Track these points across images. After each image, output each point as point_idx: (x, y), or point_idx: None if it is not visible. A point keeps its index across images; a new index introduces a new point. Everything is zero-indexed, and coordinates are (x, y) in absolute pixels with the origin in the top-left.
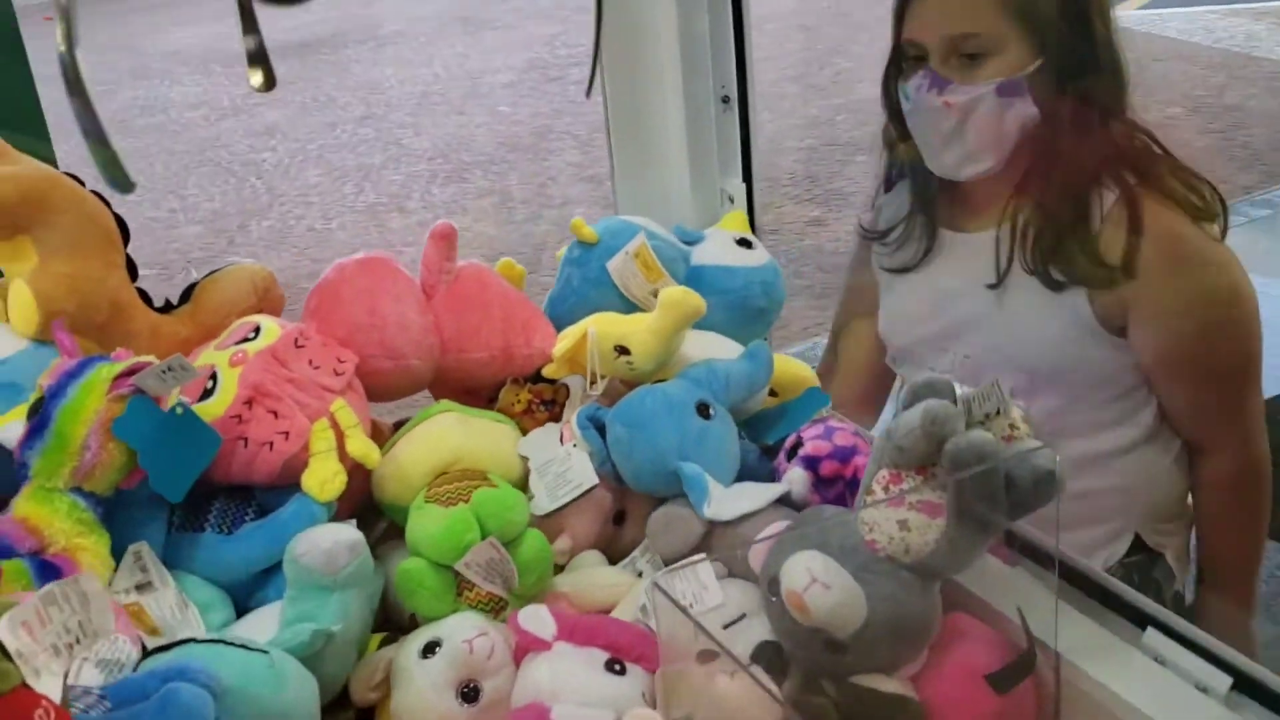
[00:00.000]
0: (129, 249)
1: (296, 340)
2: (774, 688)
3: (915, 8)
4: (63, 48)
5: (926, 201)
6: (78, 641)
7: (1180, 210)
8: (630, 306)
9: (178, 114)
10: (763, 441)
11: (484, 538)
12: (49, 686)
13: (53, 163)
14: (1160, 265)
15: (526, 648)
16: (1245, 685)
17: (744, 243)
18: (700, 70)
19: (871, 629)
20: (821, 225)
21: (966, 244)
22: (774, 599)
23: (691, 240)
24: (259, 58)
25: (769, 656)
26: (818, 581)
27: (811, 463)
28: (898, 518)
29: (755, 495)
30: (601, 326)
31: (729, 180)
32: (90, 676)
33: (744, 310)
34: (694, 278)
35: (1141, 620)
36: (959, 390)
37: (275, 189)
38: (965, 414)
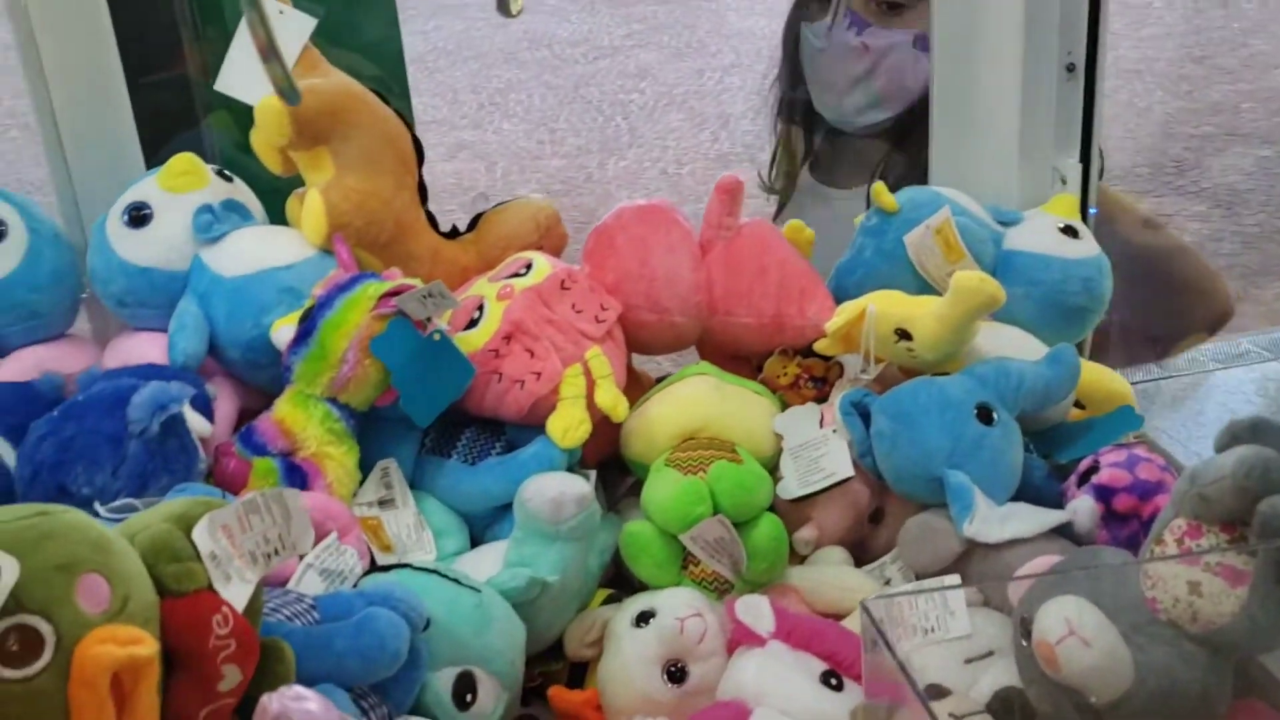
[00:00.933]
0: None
1: (563, 282)
2: None
3: None
4: None
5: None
6: (276, 553)
7: None
8: (925, 287)
9: (560, 49)
10: (1055, 459)
11: (716, 513)
12: (237, 593)
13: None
14: None
15: (739, 640)
16: None
17: (1069, 230)
18: (1044, 31)
19: (1135, 702)
20: (1204, 222)
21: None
22: (1024, 643)
23: (1008, 221)
24: None
25: (1008, 706)
26: (1076, 634)
27: (1104, 493)
28: (1189, 578)
29: (1028, 520)
30: (883, 305)
31: (1063, 158)
32: (312, 583)
33: (1058, 307)
34: (1004, 263)
35: None
36: None
37: (637, 130)
38: None
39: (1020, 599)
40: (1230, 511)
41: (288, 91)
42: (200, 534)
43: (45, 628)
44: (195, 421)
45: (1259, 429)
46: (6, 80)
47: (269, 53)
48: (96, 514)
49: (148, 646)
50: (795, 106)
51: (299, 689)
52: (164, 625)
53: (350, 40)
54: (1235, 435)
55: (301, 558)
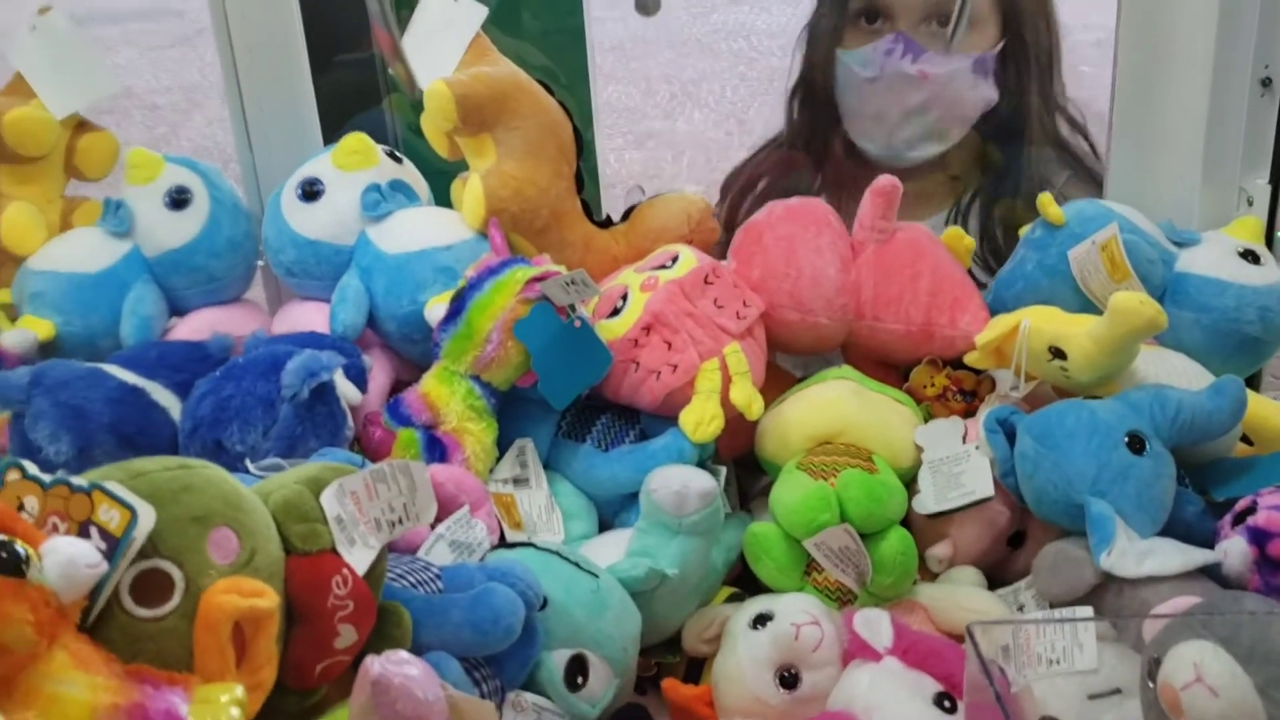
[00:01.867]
0: (580, 161)
1: (706, 277)
2: None
3: None
4: None
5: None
6: (400, 522)
7: None
8: (1087, 305)
9: (758, 41)
10: (1213, 496)
11: (843, 521)
12: (359, 557)
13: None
14: None
15: (854, 652)
16: None
17: (1250, 255)
18: (1239, 41)
19: None
20: None
21: None
22: (1150, 684)
23: (1184, 242)
24: None
25: None
26: (1204, 682)
27: (1259, 536)
28: None
29: (1172, 557)
30: (1038, 321)
31: (1251, 178)
32: (441, 554)
33: (1230, 336)
34: (1176, 286)
35: None
36: None
37: None
38: None
39: (1152, 638)
40: None
41: (411, 89)
42: (329, 498)
43: (176, 573)
44: (346, 390)
45: None
46: (199, 54)
47: (395, 53)
48: (247, 470)
49: (269, 600)
50: (815, 133)
51: (403, 654)
52: (287, 581)
53: (523, 29)
54: None
55: (432, 528)
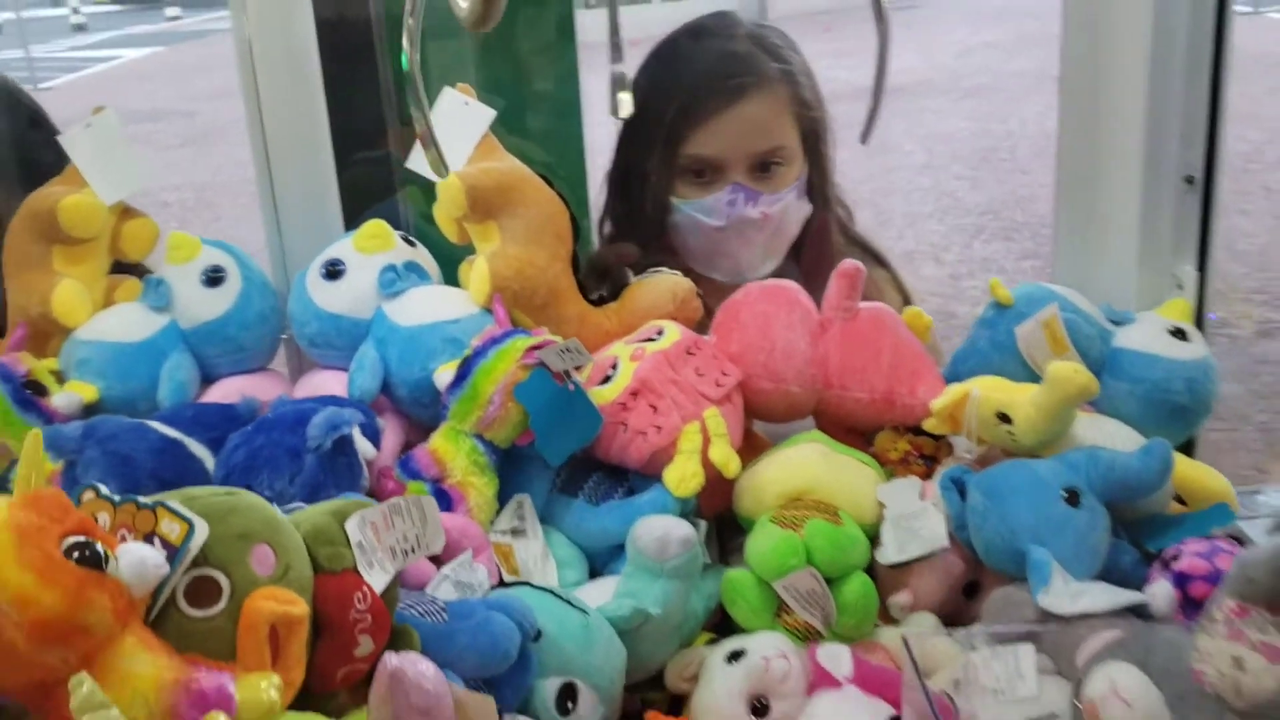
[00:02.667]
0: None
1: (689, 349)
2: None
3: (711, 126)
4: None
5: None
6: (413, 550)
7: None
8: (1034, 378)
9: None
10: (1147, 547)
11: (810, 566)
12: (378, 578)
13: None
14: None
15: (819, 683)
16: None
17: (1179, 333)
18: (1165, 146)
19: None
20: None
21: None
22: (1076, 703)
23: (1119, 321)
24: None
25: None
26: (1119, 696)
27: (1182, 580)
28: (1234, 653)
29: (1101, 597)
30: (986, 389)
31: (1181, 265)
32: (446, 591)
33: (1162, 405)
34: (1112, 360)
35: None
36: None
37: None
38: None
39: (1079, 664)
40: (1272, 592)
41: (440, 171)
42: (352, 526)
43: (224, 580)
44: (363, 445)
45: None
46: (234, 149)
47: (427, 139)
48: None
49: (300, 608)
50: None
51: (415, 654)
52: (315, 596)
53: (527, 130)
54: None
55: (438, 565)
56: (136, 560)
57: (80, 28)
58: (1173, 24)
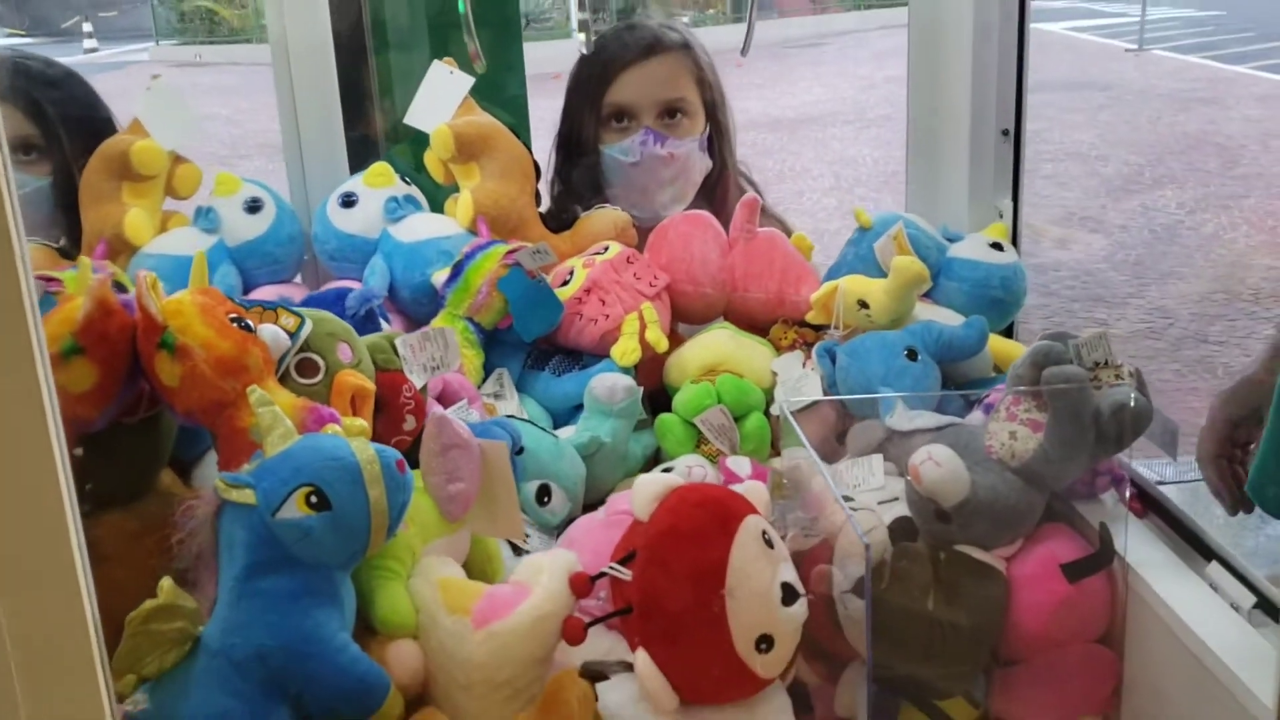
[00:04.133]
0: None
1: (629, 259)
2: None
3: (625, 77)
4: None
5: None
6: (438, 367)
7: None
8: None
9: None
10: (972, 399)
11: (720, 405)
12: (417, 379)
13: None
14: None
15: (728, 480)
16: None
17: (997, 246)
18: (986, 105)
19: (971, 506)
20: None
21: None
22: (906, 477)
23: (953, 238)
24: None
25: (902, 525)
26: (932, 459)
27: (988, 409)
28: (1009, 429)
29: (931, 419)
30: (849, 284)
31: (1001, 199)
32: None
33: (983, 298)
34: (946, 266)
35: (1208, 554)
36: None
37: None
38: (1075, 357)
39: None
40: (1030, 381)
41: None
42: (399, 342)
43: (321, 362)
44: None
45: (1057, 335)
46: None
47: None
48: None
49: (370, 386)
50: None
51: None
52: (377, 384)
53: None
54: (1043, 337)
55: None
56: (271, 333)
57: None
58: (989, 20)
